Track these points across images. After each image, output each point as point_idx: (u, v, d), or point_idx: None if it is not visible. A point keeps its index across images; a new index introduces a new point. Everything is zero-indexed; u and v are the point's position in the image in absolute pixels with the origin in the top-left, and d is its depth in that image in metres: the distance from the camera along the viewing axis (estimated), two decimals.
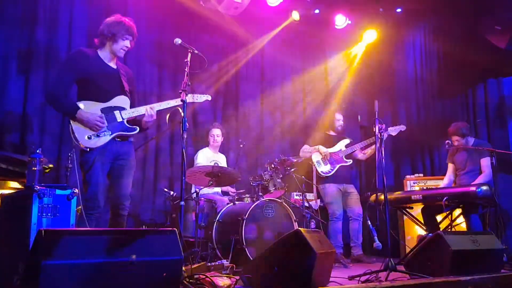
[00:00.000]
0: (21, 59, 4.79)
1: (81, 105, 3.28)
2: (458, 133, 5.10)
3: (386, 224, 3.83)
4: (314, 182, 5.58)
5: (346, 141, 5.64)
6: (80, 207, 3.19)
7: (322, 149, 5.51)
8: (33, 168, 3.00)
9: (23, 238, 2.71)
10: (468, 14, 6.13)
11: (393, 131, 5.42)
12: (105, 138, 3.30)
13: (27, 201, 2.78)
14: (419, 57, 7.08)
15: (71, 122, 3.26)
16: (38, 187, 2.79)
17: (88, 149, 3.24)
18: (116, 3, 5.44)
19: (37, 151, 3.10)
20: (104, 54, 3.49)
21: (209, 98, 3.85)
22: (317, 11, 6.64)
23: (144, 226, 5.10)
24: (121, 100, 3.46)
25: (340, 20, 6.68)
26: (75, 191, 2.96)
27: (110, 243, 2.21)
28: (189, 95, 3.68)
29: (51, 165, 4.06)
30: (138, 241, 2.30)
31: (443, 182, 5.33)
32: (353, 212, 5.45)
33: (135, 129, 3.45)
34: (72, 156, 3.52)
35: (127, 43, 3.49)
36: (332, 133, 5.74)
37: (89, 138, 3.25)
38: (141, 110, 3.46)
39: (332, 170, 5.45)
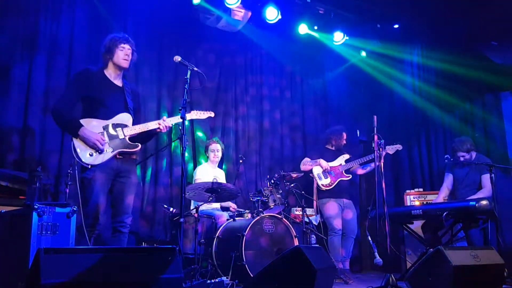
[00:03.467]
0: (20, 77, 4.83)
1: (83, 122, 3.31)
2: (464, 149, 5.10)
3: (386, 240, 3.82)
4: (315, 196, 5.58)
5: (346, 156, 5.68)
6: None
7: (323, 162, 5.52)
8: (32, 186, 3.00)
9: (23, 257, 2.70)
10: (465, 29, 6.19)
11: (390, 149, 5.49)
12: (107, 155, 3.31)
13: (26, 219, 2.77)
14: (417, 71, 7.13)
15: (73, 139, 3.28)
16: (38, 205, 2.78)
17: (89, 166, 3.25)
18: (115, 21, 5.50)
19: (37, 169, 3.10)
20: (109, 72, 3.55)
21: (212, 114, 3.89)
22: (315, 27, 6.70)
23: (143, 243, 5.08)
24: (124, 118, 3.48)
25: (338, 36, 6.74)
26: (74, 208, 2.96)
27: (110, 262, 2.20)
28: (192, 112, 3.74)
29: (49, 182, 4.06)
30: (138, 259, 2.30)
31: (440, 192, 5.35)
32: (348, 229, 5.44)
33: (136, 146, 3.47)
34: (72, 173, 3.53)
35: (126, 51, 3.53)
36: (331, 148, 5.76)
37: (91, 155, 3.26)
38: (151, 125, 3.50)
39: (333, 183, 5.46)
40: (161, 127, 3.50)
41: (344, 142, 5.78)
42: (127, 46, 3.54)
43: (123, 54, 3.51)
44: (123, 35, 3.58)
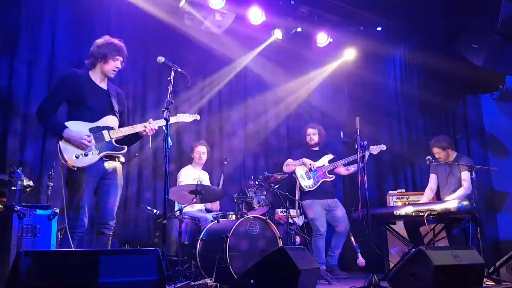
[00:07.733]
0: (1, 78, 4.76)
1: (69, 124, 3.28)
2: (438, 145, 5.22)
3: (369, 240, 3.86)
4: (297, 197, 5.60)
5: (330, 156, 5.70)
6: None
7: (307, 160, 5.53)
8: (13, 188, 2.95)
9: (3, 260, 2.66)
10: (446, 32, 6.28)
11: (374, 150, 5.54)
12: (93, 157, 3.29)
13: (6, 222, 2.73)
14: (400, 74, 7.20)
15: (59, 141, 3.25)
16: (18, 207, 2.74)
17: (75, 168, 3.22)
18: (98, 22, 5.46)
19: (18, 170, 3.06)
20: (95, 75, 3.52)
21: (198, 117, 3.89)
22: (299, 29, 6.73)
23: (127, 246, 5.04)
24: (110, 120, 3.47)
25: (322, 38, 6.78)
26: (56, 211, 2.92)
27: (92, 264, 2.18)
28: (178, 115, 3.74)
29: (30, 184, 3.99)
30: (121, 261, 2.28)
31: (425, 193, 5.42)
32: (340, 227, 5.47)
33: (123, 148, 3.45)
34: (54, 174, 3.48)
35: (118, 63, 3.52)
36: (315, 148, 5.79)
37: (77, 157, 3.23)
38: (137, 127, 3.49)
39: (316, 184, 5.48)
40: (147, 130, 3.50)
41: (311, 137, 5.74)
42: (120, 59, 3.53)
43: (114, 65, 3.51)
44: (121, 46, 3.55)
